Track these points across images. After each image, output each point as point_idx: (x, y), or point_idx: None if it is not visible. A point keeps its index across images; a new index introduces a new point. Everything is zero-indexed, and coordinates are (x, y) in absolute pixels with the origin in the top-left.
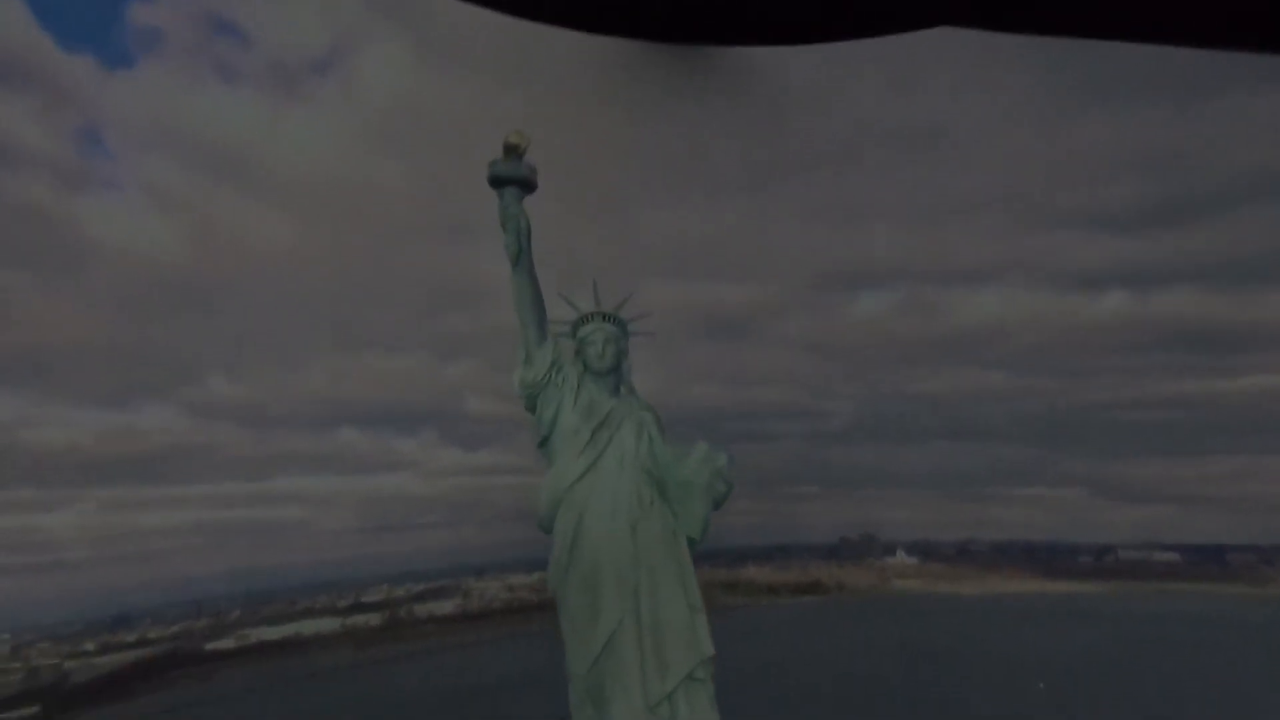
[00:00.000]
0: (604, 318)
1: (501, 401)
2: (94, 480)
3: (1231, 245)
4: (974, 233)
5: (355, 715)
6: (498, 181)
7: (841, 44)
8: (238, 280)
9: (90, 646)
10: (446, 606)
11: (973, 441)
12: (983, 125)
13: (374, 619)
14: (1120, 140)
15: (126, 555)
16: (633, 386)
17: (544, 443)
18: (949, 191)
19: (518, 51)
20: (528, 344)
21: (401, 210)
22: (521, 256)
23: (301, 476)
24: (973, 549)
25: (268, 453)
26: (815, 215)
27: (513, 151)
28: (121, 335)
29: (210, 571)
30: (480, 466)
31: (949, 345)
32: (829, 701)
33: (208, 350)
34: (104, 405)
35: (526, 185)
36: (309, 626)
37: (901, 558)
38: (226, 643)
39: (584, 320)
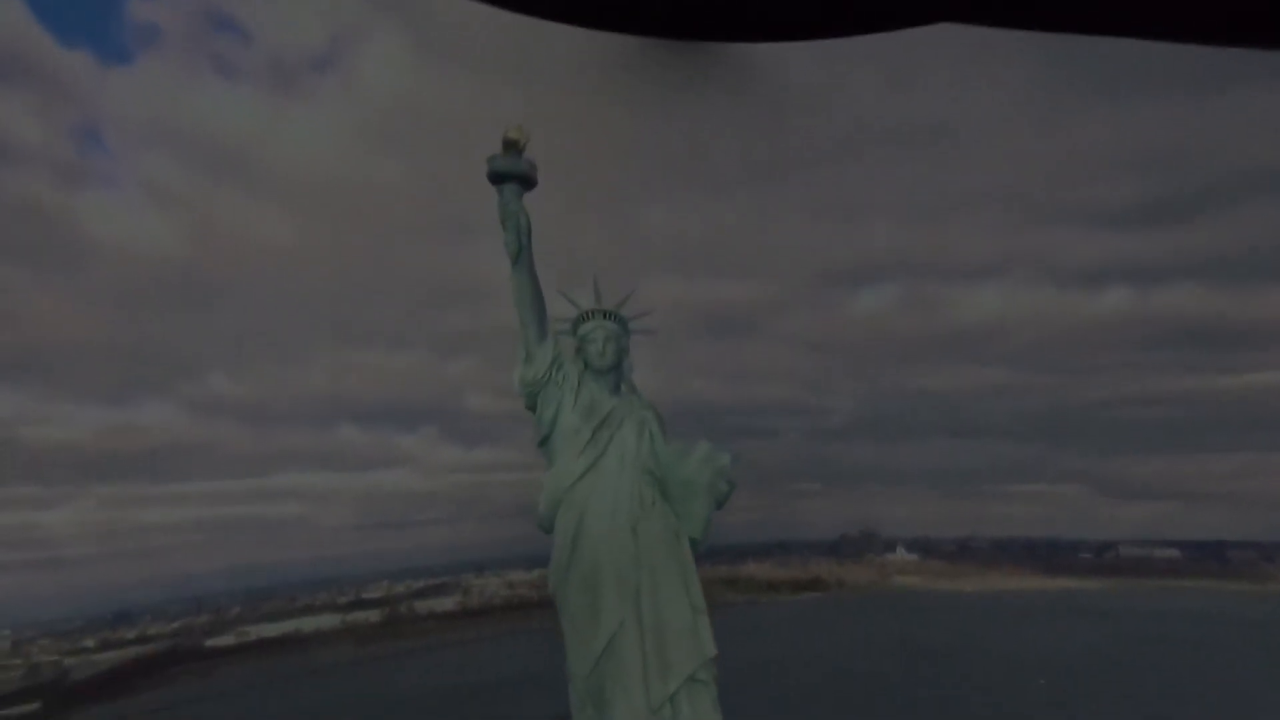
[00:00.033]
0: (605, 315)
1: (501, 399)
2: (94, 477)
3: (1232, 241)
4: (975, 229)
5: (355, 712)
6: (497, 177)
7: (842, 41)
8: (237, 277)
9: (90, 643)
10: (447, 603)
11: (973, 438)
12: (983, 122)
13: (374, 616)
14: (1121, 137)
15: (127, 552)
16: (634, 385)
17: (544, 442)
18: (950, 188)
19: (517, 48)
20: (528, 342)
21: (401, 207)
22: (521, 254)
23: (302, 473)
24: (973, 546)
25: (268, 449)
26: (816, 212)
27: (512, 147)
28: (121, 332)
29: (210, 568)
30: (480, 463)
31: (950, 342)
32: (829, 698)
33: (208, 347)
34: (104, 402)
35: (526, 181)
36: (309, 623)
37: (902, 554)
38: (227, 639)
39: (584, 318)
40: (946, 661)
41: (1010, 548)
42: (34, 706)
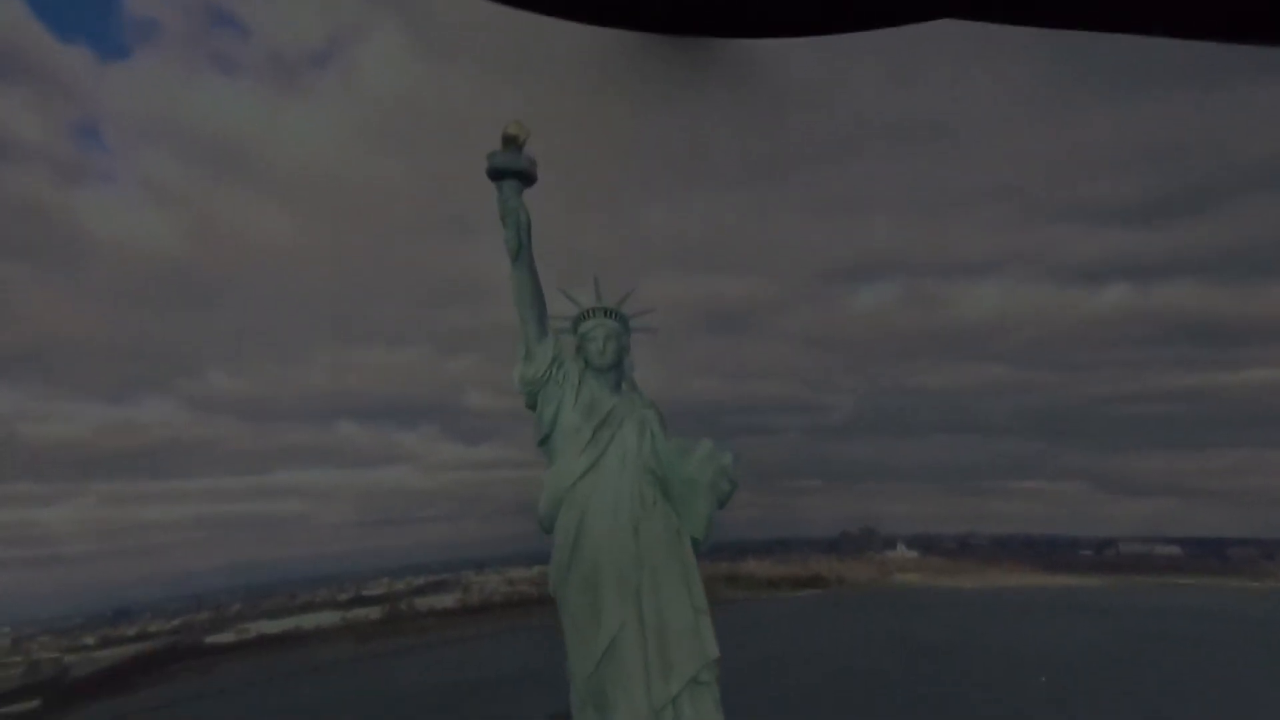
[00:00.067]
0: (605, 313)
1: (502, 396)
2: (94, 474)
3: (1233, 237)
4: (975, 226)
5: (355, 709)
6: (497, 174)
7: (843, 37)
8: (237, 274)
9: (90, 640)
10: (447, 600)
11: (973, 435)
12: (984, 118)
13: (374, 613)
14: (1122, 133)
15: (126, 549)
16: (634, 383)
17: (544, 441)
18: (950, 185)
19: (518, 44)
20: (528, 340)
21: (402, 204)
22: (521, 251)
23: (302, 470)
24: (973, 543)
25: (268, 446)
26: (816, 209)
27: (512, 143)
28: (120, 329)
29: (210, 565)
30: (481, 461)
31: (950, 339)
32: (830, 696)
33: (207, 344)
34: (103, 399)
35: (526, 178)
36: (309, 620)
37: (902, 551)
38: (226, 636)
39: (585, 316)
40: (947, 658)
41: (1010, 544)
42: (34, 704)
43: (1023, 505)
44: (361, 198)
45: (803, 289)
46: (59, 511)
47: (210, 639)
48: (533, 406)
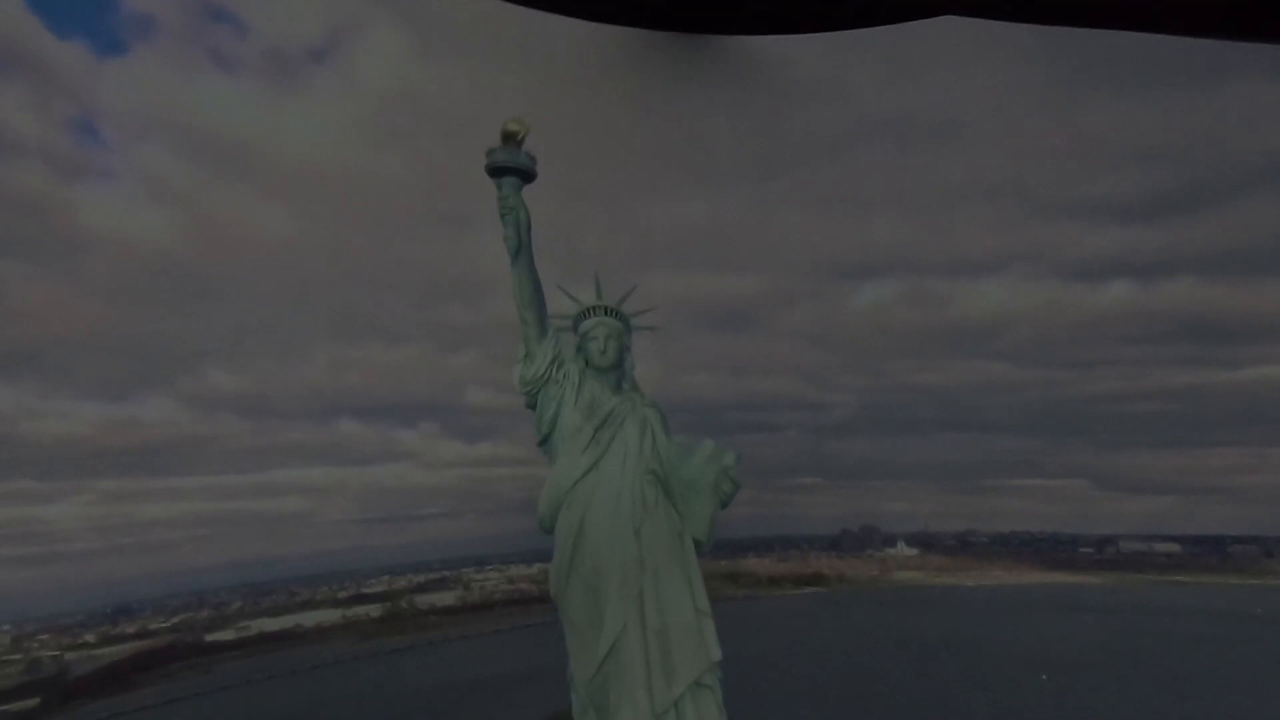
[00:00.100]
0: (606, 312)
1: (502, 394)
2: (94, 472)
3: (1235, 235)
4: (977, 223)
5: (356, 707)
6: (496, 170)
7: (844, 33)
8: (236, 270)
9: (91, 638)
10: (447, 598)
11: (974, 433)
12: (986, 115)
13: (374, 610)
14: (1124, 130)
15: (126, 546)
16: (635, 382)
17: (544, 441)
18: (952, 182)
19: (518, 40)
20: (528, 340)
21: (401, 200)
22: (521, 249)
23: (302, 467)
24: (974, 540)
25: (268, 444)
26: (818, 205)
27: (511, 139)
28: (119, 326)
29: (211, 562)
30: (481, 458)
31: (951, 336)
32: (830, 694)
33: (207, 341)
34: (103, 397)
35: (526, 174)
36: (309, 618)
37: (902, 549)
38: (227, 634)
39: (586, 314)
40: (947, 656)
41: (1011, 542)
42: (34, 702)
43: (1023, 503)
44: (361, 194)
45: (804, 286)
46: (59, 509)
47: (210, 636)
48: (533, 406)
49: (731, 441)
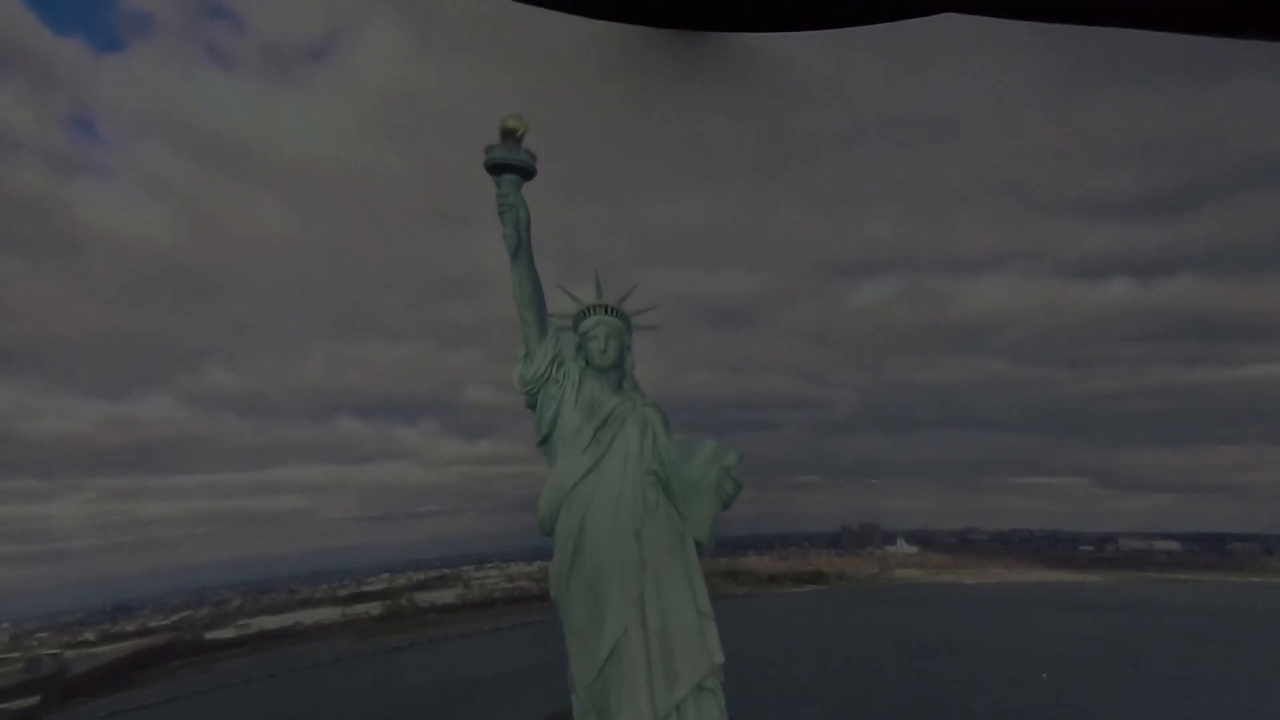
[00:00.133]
0: (607, 311)
1: (502, 391)
2: (93, 470)
3: (1236, 233)
4: (977, 221)
5: (355, 704)
6: (495, 168)
7: (844, 31)
8: (235, 269)
9: (90, 636)
10: (447, 596)
11: (974, 430)
12: (986, 113)
13: (374, 608)
14: (1124, 127)
15: (126, 544)
16: (636, 382)
17: (544, 441)
18: (952, 179)
19: (518, 37)
20: (528, 339)
21: (400, 198)
22: (520, 247)
23: (302, 465)
24: (974, 538)
25: (268, 442)
26: (818, 203)
27: (510, 136)
28: (118, 324)
29: (211, 561)
30: (481, 456)
31: (951, 334)
32: (830, 692)
33: (206, 339)
34: (102, 395)
35: (525, 172)
36: (309, 615)
37: (902, 547)
38: (226, 632)
39: (586, 313)
40: (947, 654)
41: (1011, 540)
42: (33, 700)
43: (1023, 501)
44: (361, 192)
45: (804, 284)
46: (59, 507)
47: (210, 635)
48: (533, 406)
49: (731, 439)
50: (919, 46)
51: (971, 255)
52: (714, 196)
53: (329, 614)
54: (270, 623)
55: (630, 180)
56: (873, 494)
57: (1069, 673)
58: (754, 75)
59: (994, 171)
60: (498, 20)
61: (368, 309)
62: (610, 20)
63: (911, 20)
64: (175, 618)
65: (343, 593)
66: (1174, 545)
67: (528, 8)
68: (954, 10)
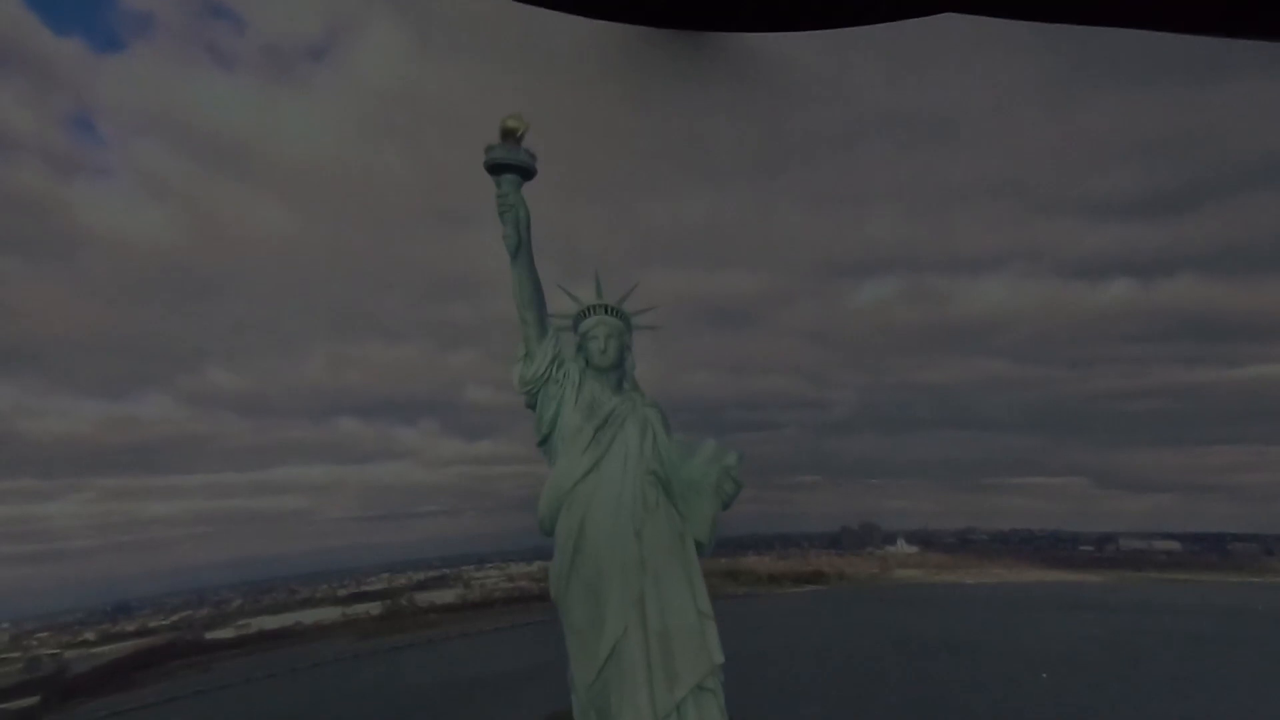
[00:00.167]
0: (607, 311)
1: (502, 391)
2: (93, 469)
3: (1237, 233)
4: (977, 220)
5: (355, 704)
6: (495, 168)
7: (844, 30)
8: (235, 269)
9: (90, 636)
10: (447, 595)
11: (974, 430)
12: (986, 113)
13: (374, 608)
14: (1124, 127)
15: (126, 544)
16: (636, 382)
17: (544, 441)
18: (952, 179)
19: (518, 37)
20: (527, 339)
21: (400, 198)
22: (520, 248)
23: (302, 465)
24: (974, 538)
25: (268, 442)
26: (818, 202)
27: (510, 136)
28: (118, 323)
29: (211, 561)
30: (481, 456)
31: (952, 334)
32: (829, 692)
33: (206, 339)
34: (102, 394)
35: (525, 172)
36: (309, 615)
37: (902, 547)
38: (226, 632)
39: (586, 313)
40: (947, 654)
41: (1011, 540)
42: (33, 701)
43: (1023, 501)
44: (360, 191)
45: (804, 284)
46: (58, 507)
47: (210, 634)
48: (533, 406)
49: (731, 439)
50: (919, 46)
51: (971, 255)
52: (714, 196)
53: (329, 614)
54: (270, 623)
55: (630, 180)
56: (873, 494)
57: (1069, 673)
58: (754, 75)
59: (994, 171)
60: (498, 20)
61: (368, 309)
62: (610, 20)
63: (912, 20)
64: (175, 618)
65: (343, 592)
66: (1174, 545)
67: (528, 7)
68: (954, 10)
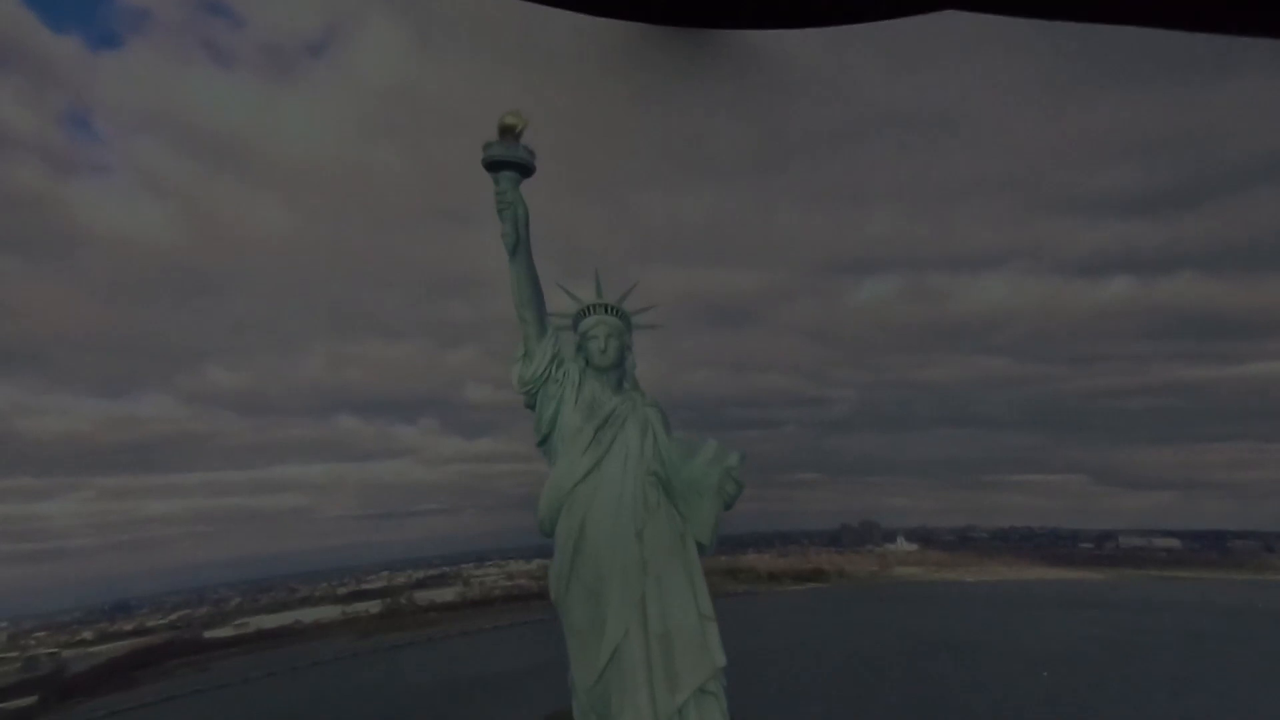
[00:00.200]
0: (607, 310)
1: (501, 389)
2: (92, 468)
3: (1237, 231)
4: (977, 218)
5: (355, 704)
6: (494, 165)
7: (845, 28)
8: (234, 267)
9: (88, 635)
10: (447, 594)
11: (974, 428)
12: (986, 110)
13: (374, 606)
14: (1125, 125)
15: (125, 543)
16: (637, 381)
17: (544, 442)
18: (952, 177)
19: (518, 33)
20: (527, 338)
21: (399, 195)
22: (519, 246)
23: (301, 464)
24: (973, 536)
25: (267, 440)
26: (818, 200)
27: (509, 133)
28: (117, 322)
29: (210, 559)
30: (480, 454)
31: (951, 332)
32: (830, 690)
33: (205, 338)
34: (102, 393)
35: (524, 169)
36: (309, 614)
37: (902, 545)
38: (225, 631)
39: (586, 313)
40: (947, 652)
41: (1011, 538)
42: (31, 700)
43: (1023, 498)
44: (359, 189)
45: (804, 282)
46: (57, 506)
47: (209, 634)
48: (532, 406)
49: (731, 437)
50: (920, 44)
51: (972, 253)
52: (714, 194)
53: (328, 612)
54: (269, 621)
55: (630, 178)
56: (872, 492)
57: (1069, 672)
58: (755, 73)
59: (994, 169)
60: (497, 17)
61: (367, 307)
62: (611, 17)
63: (913, 17)
64: (174, 616)
65: (342, 591)
66: (1174, 543)
67: (528, 4)
68: (955, 7)
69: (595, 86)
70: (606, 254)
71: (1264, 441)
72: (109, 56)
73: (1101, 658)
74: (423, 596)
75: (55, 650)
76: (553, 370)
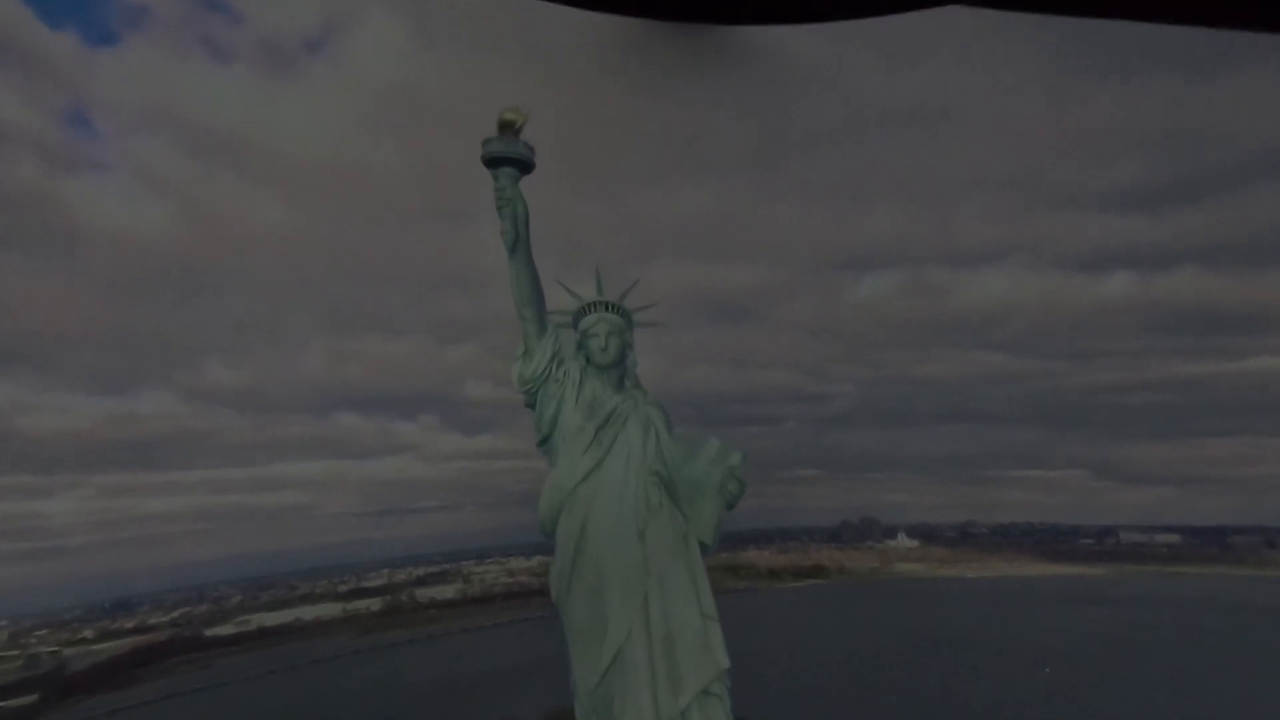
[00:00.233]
0: (608, 307)
1: (501, 386)
2: (93, 466)
3: (1237, 226)
4: (977, 214)
5: (356, 701)
6: (493, 161)
7: (847, 23)
8: (233, 264)
9: (89, 633)
10: (447, 591)
11: (974, 424)
12: (987, 106)
13: (375, 604)
14: (1124, 121)
15: (125, 541)
16: (638, 380)
17: (544, 441)
18: (952, 173)
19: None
20: (527, 337)
21: (399, 192)
22: (519, 243)
23: (301, 461)
24: (974, 532)
25: (267, 438)
26: (819, 197)
27: (508, 129)
28: (117, 320)
29: (210, 557)
30: (480, 451)
31: (951, 328)
32: (831, 685)
33: (204, 335)
34: (102, 391)
35: (524, 165)
36: (309, 612)
37: (903, 541)
38: (226, 629)
39: (586, 310)
40: (949, 647)
41: (1011, 534)
42: (32, 698)
43: (1024, 494)
44: (358, 186)
45: (804, 278)
46: (57, 503)
47: (210, 631)
48: (532, 405)
49: (731, 434)
50: (920, 40)
51: (971, 249)
52: (714, 191)
53: (329, 610)
54: (270, 619)
55: (631, 175)
56: (873, 488)
57: (1070, 668)
58: (756, 69)
59: (994, 165)
60: (496, 13)
61: (367, 305)
62: (611, 13)
63: (914, 13)
64: (174, 614)
65: (343, 588)
66: (1174, 538)
67: (526, 0)
68: (956, 3)
69: (595, 83)
70: (607, 251)
71: (1264, 436)
72: (106, 53)
73: (1102, 654)
74: (423, 593)
75: (56, 648)
76: (553, 369)
